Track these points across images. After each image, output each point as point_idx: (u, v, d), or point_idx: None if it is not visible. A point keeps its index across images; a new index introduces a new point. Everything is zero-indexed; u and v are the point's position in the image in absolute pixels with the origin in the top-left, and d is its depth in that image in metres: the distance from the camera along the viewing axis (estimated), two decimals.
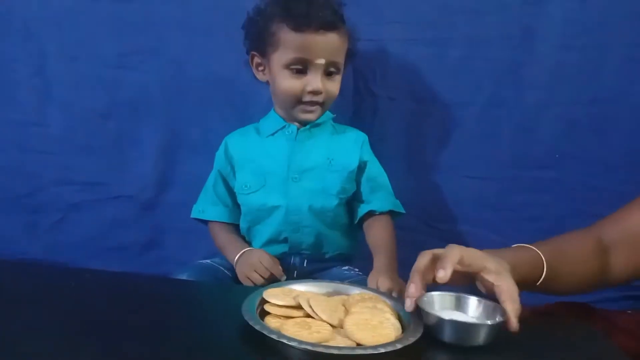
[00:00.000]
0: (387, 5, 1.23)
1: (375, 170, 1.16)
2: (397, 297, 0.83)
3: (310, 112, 1.08)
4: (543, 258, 0.80)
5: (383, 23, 1.24)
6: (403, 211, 1.15)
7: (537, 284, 0.81)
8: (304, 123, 1.12)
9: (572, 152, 1.23)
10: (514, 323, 0.67)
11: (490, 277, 0.72)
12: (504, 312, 0.68)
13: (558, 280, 0.83)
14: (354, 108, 1.28)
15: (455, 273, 0.72)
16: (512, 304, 0.68)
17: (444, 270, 0.70)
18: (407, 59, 1.25)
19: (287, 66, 1.04)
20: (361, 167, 1.14)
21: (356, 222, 1.15)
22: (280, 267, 1.05)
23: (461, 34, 1.23)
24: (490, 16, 1.21)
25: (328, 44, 1.03)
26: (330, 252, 1.14)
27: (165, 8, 1.26)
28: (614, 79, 1.20)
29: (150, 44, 1.28)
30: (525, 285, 0.77)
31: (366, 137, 1.17)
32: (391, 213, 1.13)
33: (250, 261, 1.04)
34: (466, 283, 0.76)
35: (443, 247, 1.30)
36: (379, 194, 1.14)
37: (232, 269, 1.10)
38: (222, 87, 1.28)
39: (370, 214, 1.13)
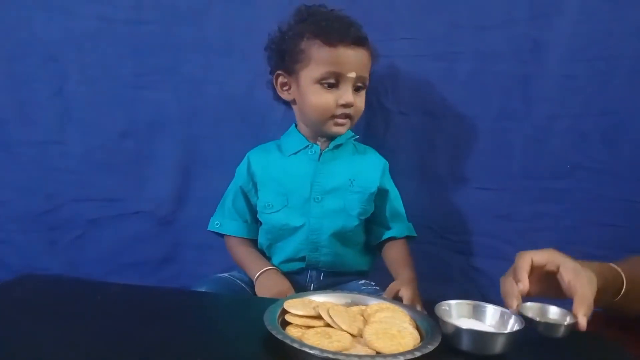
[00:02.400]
0: (397, 22, 1.26)
1: (396, 197, 1.19)
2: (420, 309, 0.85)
3: (341, 125, 1.09)
4: (622, 274, 0.82)
5: (393, 39, 1.26)
6: (416, 235, 1.20)
7: (616, 299, 0.82)
8: (330, 139, 1.13)
9: (583, 163, 1.23)
10: (582, 323, 0.70)
11: (567, 275, 0.75)
12: (574, 313, 0.71)
13: (635, 299, 0.84)
14: (366, 123, 1.30)
15: (539, 280, 0.77)
16: (581, 304, 0.71)
17: (521, 282, 0.74)
18: (417, 74, 1.27)
19: (319, 81, 1.05)
20: (382, 193, 1.16)
21: (375, 244, 1.19)
22: None
23: (470, 48, 1.25)
24: (498, 30, 1.23)
25: (359, 58, 1.06)
26: (347, 269, 1.16)
27: (181, 29, 1.29)
28: (622, 90, 1.20)
29: (167, 64, 1.31)
30: (604, 297, 0.79)
31: (387, 164, 1.19)
32: (406, 237, 1.19)
33: (272, 291, 1.04)
34: (555, 294, 0.79)
35: (454, 258, 1.33)
36: (398, 221, 1.18)
37: (249, 283, 1.11)
38: (237, 105, 1.31)
39: (389, 239, 1.17)
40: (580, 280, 0.74)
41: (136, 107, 1.33)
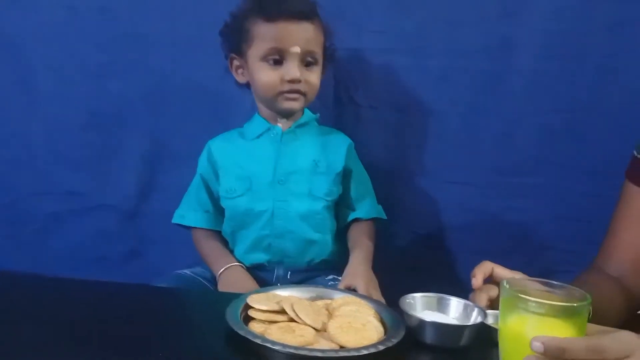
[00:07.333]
0: (368, 15, 1.25)
1: (362, 177, 1.18)
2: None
3: (293, 99, 1.06)
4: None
5: (364, 33, 1.25)
6: (385, 217, 1.18)
7: None
8: (288, 115, 1.11)
9: (551, 158, 1.25)
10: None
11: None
12: None
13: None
14: (336, 117, 1.30)
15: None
16: None
17: (474, 277, 0.76)
18: (388, 68, 1.27)
19: (264, 58, 1.04)
20: (347, 173, 1.15)
21: (342, 227, 1.17)
22: None
23: (441, 44, 1.24)
24: (469, 27, 1.23)
25: (302, 33, 1.04)
26: (315, 259, 1.13)
27: (148, 21, 1.27)
28: (590, 87, 1.22)
29: (133, 55, 1.28)
30: None
31: (352, 143, 1.17)
32: (374, 219, 1.16)
33: (235, 288, 1.02)
34: None
35: (423, 252, 1.33)
36: (365, 202, 1.16)
37: (211, 279, 1.09)
38: (205, 97, 1.29)
39: (356, 220, 1.15)
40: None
41: (101, 98, 1.30)
